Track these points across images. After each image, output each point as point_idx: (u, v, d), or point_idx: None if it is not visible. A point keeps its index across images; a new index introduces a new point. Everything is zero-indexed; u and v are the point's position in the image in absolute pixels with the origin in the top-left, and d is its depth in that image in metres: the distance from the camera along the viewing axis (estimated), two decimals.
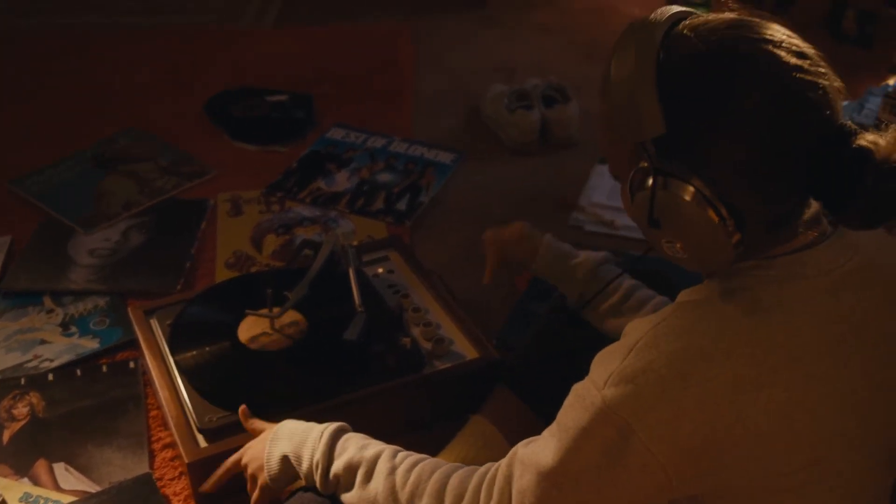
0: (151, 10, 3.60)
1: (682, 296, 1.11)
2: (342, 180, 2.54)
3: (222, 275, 2.17)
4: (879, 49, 3.10)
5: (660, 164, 1.03)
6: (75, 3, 3.64)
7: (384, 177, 2.56)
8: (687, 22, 1.06)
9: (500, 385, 1.72)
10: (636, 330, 1.06)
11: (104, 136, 2.72)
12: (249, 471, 1.52)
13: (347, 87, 3.05)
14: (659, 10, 1.07)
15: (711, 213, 1.01)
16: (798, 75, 1.00)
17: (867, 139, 1.00)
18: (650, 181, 1.04)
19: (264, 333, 1.80)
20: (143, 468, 1.70)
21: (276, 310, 1.80)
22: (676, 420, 1.00)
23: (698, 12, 1.08)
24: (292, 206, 2.43)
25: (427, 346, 1.81)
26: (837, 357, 1.04)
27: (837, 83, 1.04)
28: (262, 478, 1.48)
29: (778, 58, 1.00)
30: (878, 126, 1.01)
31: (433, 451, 1.65)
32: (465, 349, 1.81)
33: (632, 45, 1.04)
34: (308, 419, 1.50)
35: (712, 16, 1.06)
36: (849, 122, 1.03)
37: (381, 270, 2.02)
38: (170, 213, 2.40)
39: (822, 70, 1.03)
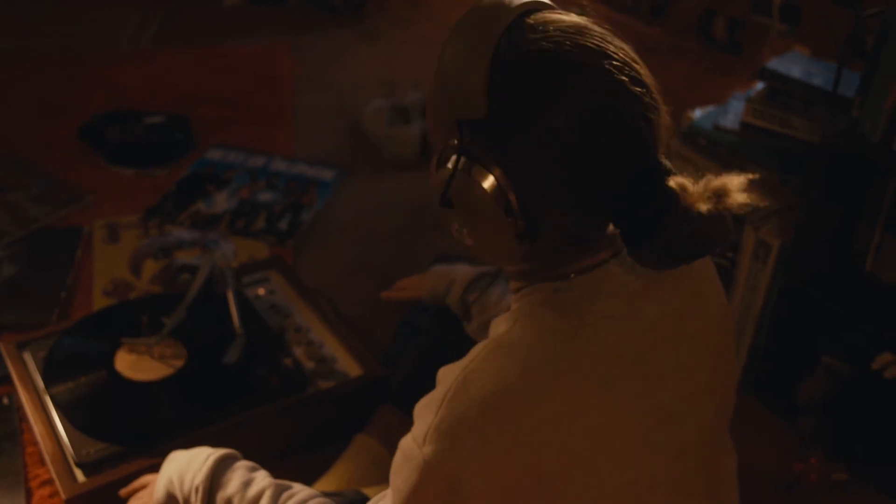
0: (22, 33, 3.50)
1: (493, 329, 1.08)
2: (222, 201, 2.51)
3: (100, 303, 2.12)
4: (747, 55, 3.19)
5: (469, 146, 1.00)
6: None
7: (265, 196, 2.54)
8: (539, 15, 1.02)
9: (385, 402, 1.72)
10: (446, 377, 1.03)
11: None
12: (143, 501, 1.48)
13: (227, 108, 3.01)
14: None
15: (503, 208, 0.99)
16: (629, 102, 0.99)
17: (677, 182, 0.98)
18: (454, 159, 1.02)
19: (142, 361, 1.77)
20: None
21: (153, 337, 1.77)
22: (501, 463, 1.00)
23: (553, 5, 1.05)
24: (171, 230, 2.39)
25: (310, 365, 1.79)
26: (647, 371, 1.04)
27: (667, 120, 1.03)
28: None
29: (614, 80, 0.98)
30: (696, 174, 1.00)
31: (320, 473, 1.65)
32: (349, 367, 1.80)
33: (477, 24, 1.01)
34: (191, 446, 1.48)
35: (567, 16, 1.03)
36: (666, 162, 1.02)
37: (262, 291, 2.00)
38: (43, 243, 2.33)
39: (655, 103, 1.01)
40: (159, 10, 3.68)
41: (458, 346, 1.58)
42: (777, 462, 1.87)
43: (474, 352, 1.04)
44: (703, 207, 0.96)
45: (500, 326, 1.07)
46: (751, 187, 0.98)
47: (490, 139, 0.99)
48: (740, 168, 1.99)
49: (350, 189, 2.63)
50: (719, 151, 2.04)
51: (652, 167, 1.00)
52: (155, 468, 1.52)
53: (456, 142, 1.02)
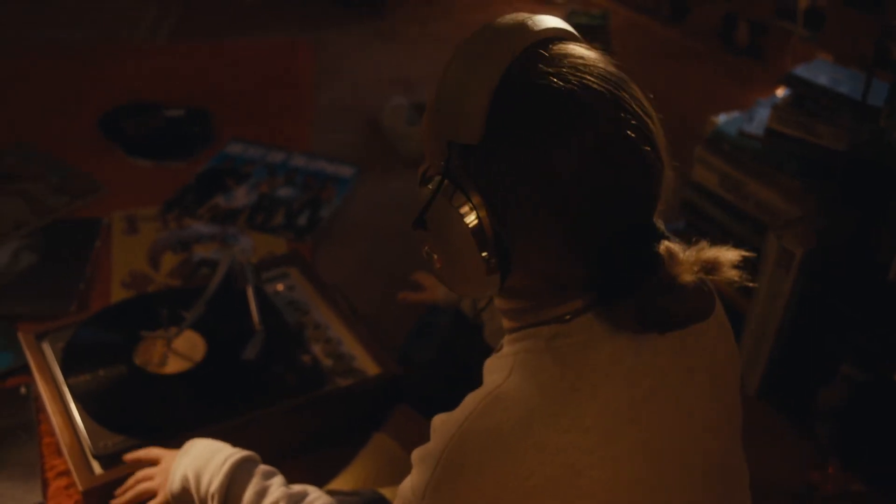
0: (41, 24, 3.50)
1: (487, 375, 1.05)
2: (241, 196, 2.51)
3: (118, 295, 2.11)
4: (770, 60, 3.18)
5: (454, 170, 0.96)
6: None
7: (284, 192, 2.53)
8: (555, 47, 0.97)
9: (402, 402, 1.72)
10: (443, 430, 1.01)
11: None
12: (156, 483, 1.48)
13: (246, 102, 3.01)
14: (536, 18, 0.99)
15: (477, 240, 0.96)
16: (631, 159, 0.95)
17: (666, 247, 0.95)
18: (436, 181, 0.97)
19: (161, 355, 1.76)
20: (35, 498, 1.64)
21: (172, 330, 1.77)
22: None
23: (575, 33, 1.00)
24: (190, 223, 2.39)
25: (328, 362, 1.79)
26: (650, 414, 1.01)
27: (670, 179, 1.00)
28: (164, 494, 1.45)
29: (620, 133, 0.94)
30: (689, 240, 0.97)
31: (336, 471, 1.65)
32: (367, 365, 1.80)
33: (489, 45, 0.97)
34: None
35: (586, 51, 0.98)
36: (660, 224, 0.99)
37: (280, 287, 1.99)
38: (62, 233, 2.33)
39: (660, 163, 0.97)
40: (178, 4, 3.69)
41: (473, 350, 1.59)
42: (792, 470, 1.86)
43: (470, 404, 1.00)
44: (688, 279, 0.93)
45: (494, 373, 1.03)
46: (743, 264, 0.95)
47: (478, 167, 0.95)
48: (763, 175, 2.00)
49: (367, 186, 2.62)
50: (743, 157, 2.03)
51: (642, 228, 0.97)
52: None
53: (442, 163, 0.98)
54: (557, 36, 0.99)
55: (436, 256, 1.01)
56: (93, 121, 2.80)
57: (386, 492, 1.52)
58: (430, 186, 0.98)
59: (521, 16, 0.99)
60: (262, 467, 1.40)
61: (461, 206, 0.95)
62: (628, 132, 0.94)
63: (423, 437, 1.32)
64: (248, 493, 1.35)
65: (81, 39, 3.39)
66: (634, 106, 0.95)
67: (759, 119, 2.09)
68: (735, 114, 2.19)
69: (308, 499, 1.33)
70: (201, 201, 2.48)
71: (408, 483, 1.06)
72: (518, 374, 1.00)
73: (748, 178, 2.02)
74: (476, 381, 1.09)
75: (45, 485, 1.68)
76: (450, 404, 1.09)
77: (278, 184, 2.57)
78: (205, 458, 1.41)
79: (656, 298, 0.94)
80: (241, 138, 2.76)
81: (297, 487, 1.36)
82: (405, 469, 1.14)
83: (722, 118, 2.17)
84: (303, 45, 3.41)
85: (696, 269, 0.93)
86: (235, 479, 1.37)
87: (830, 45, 2.60)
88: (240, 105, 2.99)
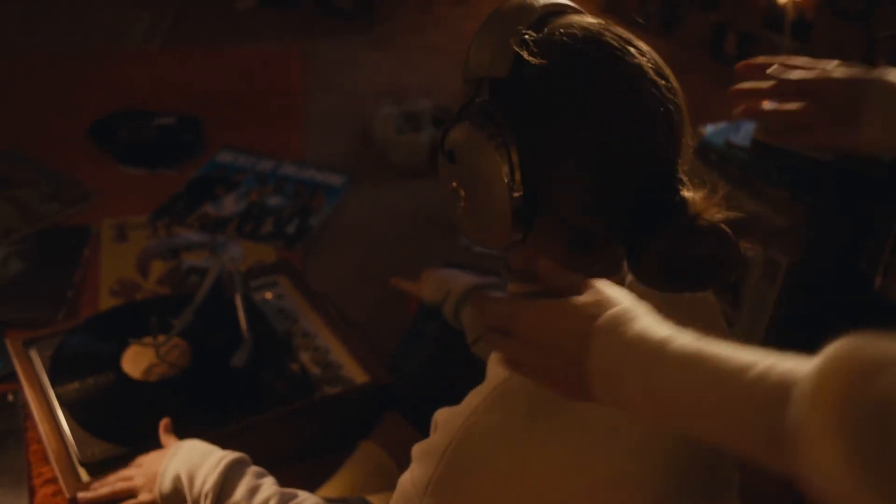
0: (33, 30, 3.50)
1: (492, 366, 1.04)
2: (231, 204, 2.51)
3: (107, 303, 2.12)
4: None
5: (485, 104, 0.98)
6: None
7: (274, 200, 2.54)
8: (566, 16, 1.01)
9: (390, 409, 1.72)
10: (447, 425, 1.01)
11: None
12: (139, 483, 1.49)
13: (237, 110, 3.02)
14: None
15: (506, 172, 0.96)
16: (658, 100, 0.98)
17: (690, 194, 0.98)
18: (467, 112, 1.00)
19: (149, 362, 1.77)
20: None
21: (160, 338, 1.77)
22: None
23: (578, 7, 1.04)
24: (180, 231, 2.39)
25: (316, 371, 1.80)
26: None
27: (689, 136, 1.02)
28: (153, 494, 1.45)
29: (649, 75, 0.97)
30: (699, 182, 1.00)
31: (323, 479, 1.65)
32: (355, 373, 1.80)
33: (504, 17, 1.00)
34: None
35: (591, 18, 1.02)
36: (682, 175, 1.00)
37: (269, 295, 2.00)
38: (52, 240, 2.33)
39: (681, 110, 1.01)
40: (171, 12, 3.69)
41: (463, 358, 1.60)
42: (776, 482, 1.86)
43: (475, 399, 1.01)
44: (717, 216, 0.95)
45: (499, 367, 1.02)
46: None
47: (508, 102, 0.97)
48: (751, 185, 2.00)
49: (358, 195, 2.63)
50: (730, 168, 2.04)
51: (668, 172, 0.99)
52: None
53: (474, 97, 1.00)
54: (563, 10, 1.02)
55: (462, 193, 1.01)
56: (84, 127, 2.80)
57: (374, 499, 1.52)
58: (464, 117, 1.00)
59: None
60: (254, 468, 1.42)
61: (491, 136, 0.96)
62: (652, 74, 0.98)
63: (412, 445, 1.33)
64: (241, 490, 1.36)
65: (75, 44, 3.39)
66: (652, 55, 1.00)
67: (746, 130, 2.09)
68: (722, 124, 2.19)
69: (298, 498, 1.34)
70: (191, 209, 2.48)
71: (408, 476, 1.06)
72: None
73: (735, 188, 2.03)
74: (463, 389, 1.09)
75: (32, 492, 1.68)
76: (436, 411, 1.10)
77: (268, 192, 2.57)
78: (198, 459, 1.43)
79: (685, 240, 0.95)
80: (231, 146, 2.77)
81: (288, 489, 1.38)
82: (393, 476, 1.15)
83: (709, 129, 2.18)
84: (295, 53, 3.42)
85: (722, 206, 0.96)
86: (229, 477, 1.38)
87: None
88: (231, 113, 2.99)
